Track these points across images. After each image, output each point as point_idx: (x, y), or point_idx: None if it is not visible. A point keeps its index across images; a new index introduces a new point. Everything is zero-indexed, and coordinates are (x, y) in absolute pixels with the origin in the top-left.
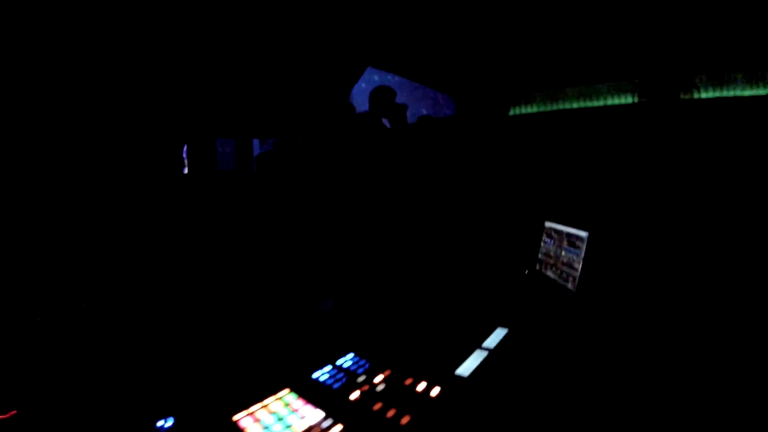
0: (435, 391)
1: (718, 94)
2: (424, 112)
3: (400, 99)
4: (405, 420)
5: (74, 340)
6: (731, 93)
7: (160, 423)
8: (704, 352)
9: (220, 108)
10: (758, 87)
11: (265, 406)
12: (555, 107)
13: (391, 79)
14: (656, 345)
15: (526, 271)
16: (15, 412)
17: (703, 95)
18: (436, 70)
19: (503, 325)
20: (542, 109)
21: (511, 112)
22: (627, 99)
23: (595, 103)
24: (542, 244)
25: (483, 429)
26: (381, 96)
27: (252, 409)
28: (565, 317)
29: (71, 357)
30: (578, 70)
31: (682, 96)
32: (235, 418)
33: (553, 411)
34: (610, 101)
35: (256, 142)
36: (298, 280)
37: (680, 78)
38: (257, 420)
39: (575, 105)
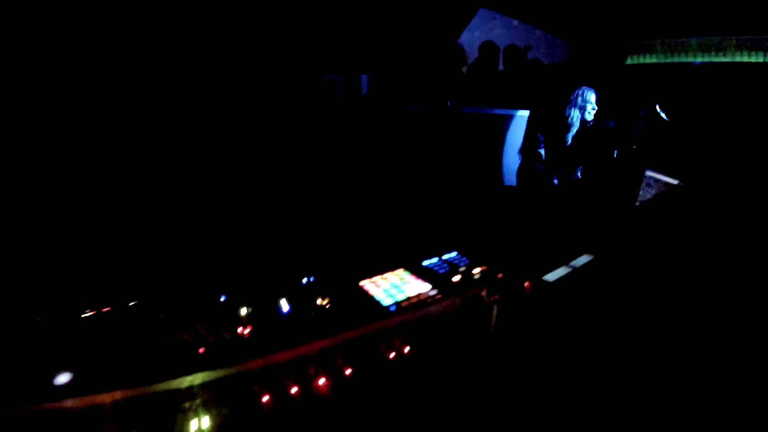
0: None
1: None
2: None
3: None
4: (493, 297)
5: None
6: None
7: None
8: None
9: (329, 45)
10: None
11: (384, 278)
12: (676, 59)
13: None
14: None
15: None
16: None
17: None
18: (552, 10)
19: (594, 254)
20: (662, 60)
21: (629, 61)
22: (758, 57)
23: (722, 59)
24: (641, 192)
25: (553, 320)
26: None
27: (374, 278)
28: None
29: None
30: (705, 18)
31: None
32: (361, 283)
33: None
34: (738, 58)
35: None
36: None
37: None
38: (378, 286)
39: (699, 59)
